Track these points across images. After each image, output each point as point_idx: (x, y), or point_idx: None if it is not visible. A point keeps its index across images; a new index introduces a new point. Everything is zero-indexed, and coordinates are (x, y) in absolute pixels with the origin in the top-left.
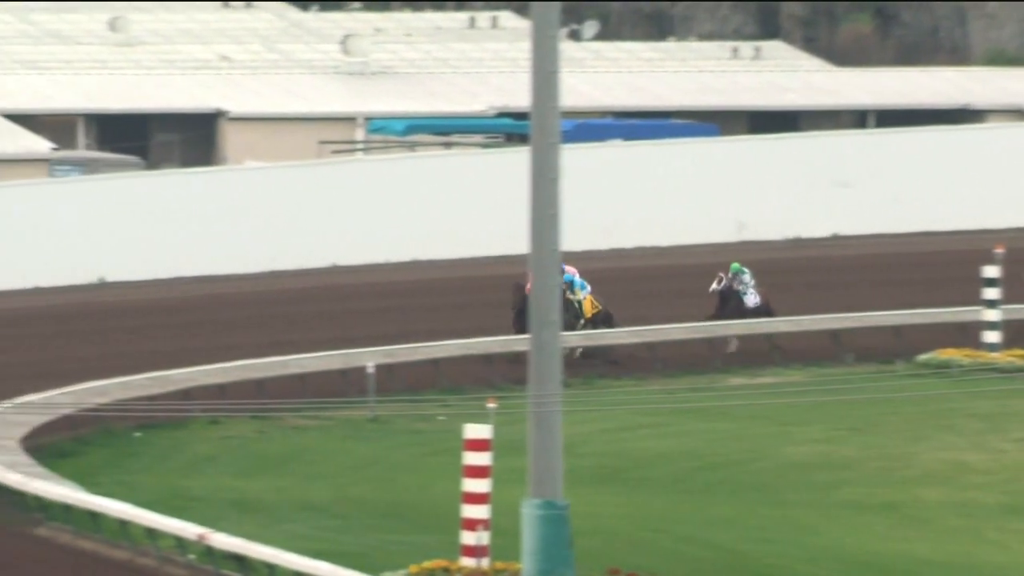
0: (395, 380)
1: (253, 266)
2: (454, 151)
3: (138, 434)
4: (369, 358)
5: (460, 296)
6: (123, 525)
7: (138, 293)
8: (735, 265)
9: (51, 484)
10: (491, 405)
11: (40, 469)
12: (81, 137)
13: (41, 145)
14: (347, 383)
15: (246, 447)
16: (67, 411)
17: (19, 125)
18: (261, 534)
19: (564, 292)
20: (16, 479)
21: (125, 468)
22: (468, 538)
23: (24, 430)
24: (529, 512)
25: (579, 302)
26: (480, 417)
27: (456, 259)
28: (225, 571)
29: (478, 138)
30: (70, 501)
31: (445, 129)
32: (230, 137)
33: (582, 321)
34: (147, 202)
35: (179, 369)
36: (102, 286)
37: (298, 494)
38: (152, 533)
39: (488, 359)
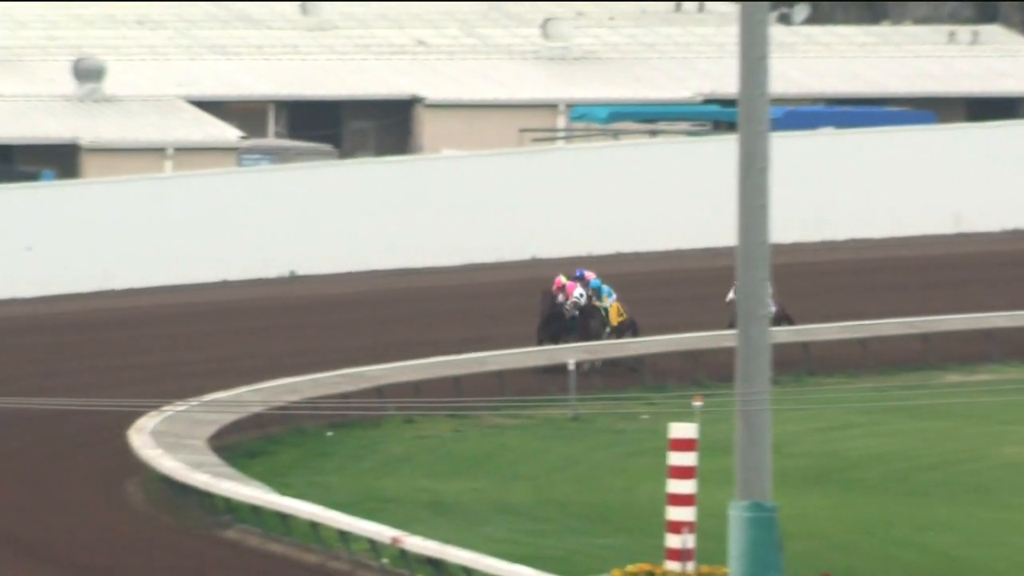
0: (597, 378)
1: (449, 259)
2: (659, 139)
3: (330, 433)
4: (570, 355)
5: (665, 290)
6: (314, 527)
7: (330, 287)
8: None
9: (240, 485)
10: (697, 403)
11: (228, 469)
12: (271, 125)
13: (230, 133)
14: (547, 380)
15: (442, 447)
16: (256, 409)
17: (207, 112)
18: (457, 537)
19: (591, 298)
20: (203, 479)
21: (316, 468)
22: (673, 541)
23: (212, 429)
24: (736, 514)
25: (605, 309)
26: (685, 416)
27: (660, 251)
28: (420, 575)
29: (684, 126)
30: (259, 503)
31: (650, 116)
32: (426, 124)
33: (608, 329)
34: (339, 192)
35: (373, 366)
36: (293, 280)
37: (496, 495)
38: (344, 536)
39: (693, 355)
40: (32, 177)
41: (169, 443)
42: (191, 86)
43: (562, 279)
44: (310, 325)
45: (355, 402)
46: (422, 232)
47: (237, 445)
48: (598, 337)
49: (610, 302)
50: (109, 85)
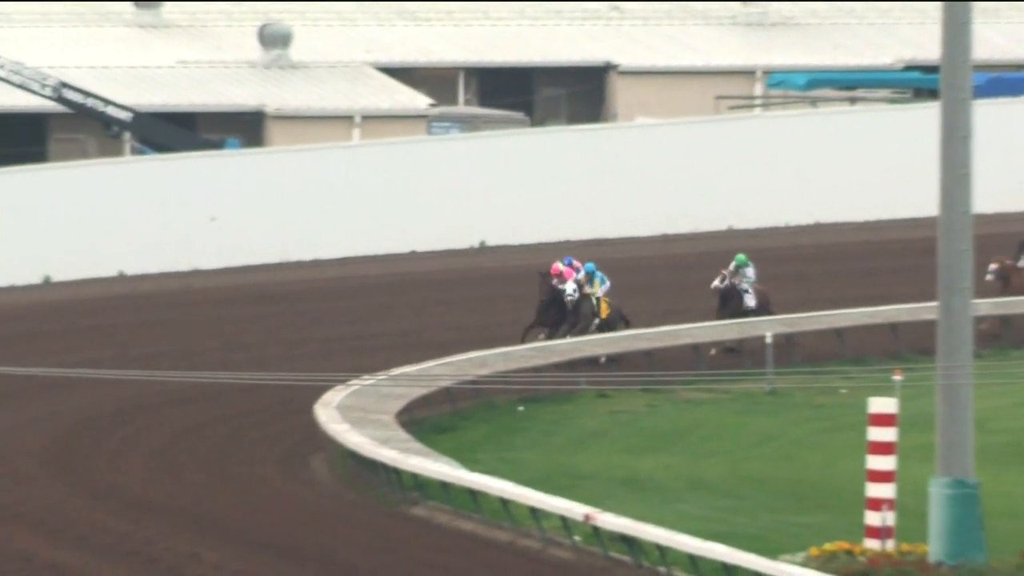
0: (794, 351)
1: (643, 229)
2: (858, 107)
3: (521, 408)
4: (766, 328)
5: (864, 261)
6: (505, 504)
7: (520, 258)
8: (740, 257)
9: (428, 461)
10: (897, 377)
11: (417, 445)
12: (462, 92)
13: (419, 101)
14: (743, 354)
15: (635, 422)
16: (446, 383)
17: (396, 79)
18: (651, 514)
19: (582, 285)
20: (391, 455)
21: (507, 444)
22: (872, 519)
23: (400, 403)
24: (937, 491)
25: (597, 298)
26: (885, 390)
27: (860, 222)
28: (613, 553)
29: (884, 93)
30: (448, 479)
31: (849, 83)
32: (620, 92)
33: (597, 320)
34: (530, 161)
35: (564, 339)
36: (482, 251)
37: (690, 471)
38: (535, 513)
39: (894, 328)
40: (216, 146)
41: (356, 418)
42: (379, 52)
43: (559, 265)
44: (500, 297)
45: (547, 376)
46: (615, 202)
47: (426, 420)
48: (589, 321)
49: (603, 289)
50: (295, 51)
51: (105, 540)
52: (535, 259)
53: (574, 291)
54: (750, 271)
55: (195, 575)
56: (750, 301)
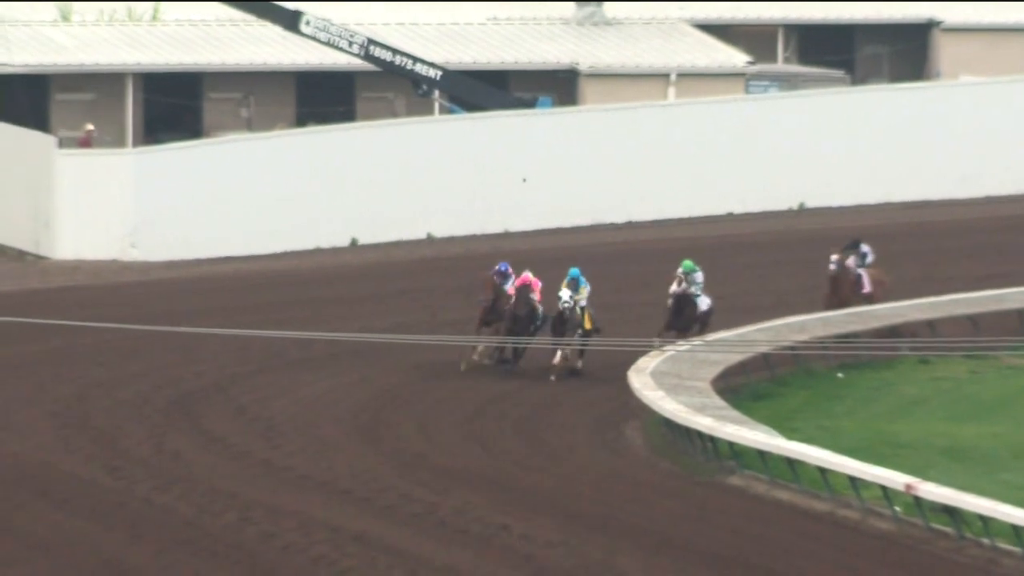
0: None
1: (969, 191)
2: None
3: (840, 375)
4: None
5: None
6: (823, 474)
7: (840, 220)
8: (687, 263)
9: (745, 429)
10: None
11: (733, 412)
12: (780, 50)
13: (737, 59)
14: None
15: (958, 389)
16: (763, 349)
17: (714, 37)
18: (974, 484)
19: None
20: (707, 423)
21: (826, 412)
22: None
23: (716, 370)
24: None
25: (582, 308)
26: None
27: None
28: (935, 524)
29: None
30: (766, 447)
31: None
32: (944, 49)
33: (580, 331)
34: (851, 121)
35: (886, 304)
36: (800, 212)
37: (1016, 440)
38: (855, 483)
39: None
40: (528, 104)
41: (671, 384)
42: (695, 9)
43: (529, 275)
44: (819, 261)
45: (866, 342)
46: (939, 161)
47: (742, 387)
48: (574, 333)
49: (586, 292)
50: (609, 8)
51: (413, 510)
52: (854, 222)
53: (570, 299)
54: (699, 275)
55: (504, 545)
56: (703, 304)
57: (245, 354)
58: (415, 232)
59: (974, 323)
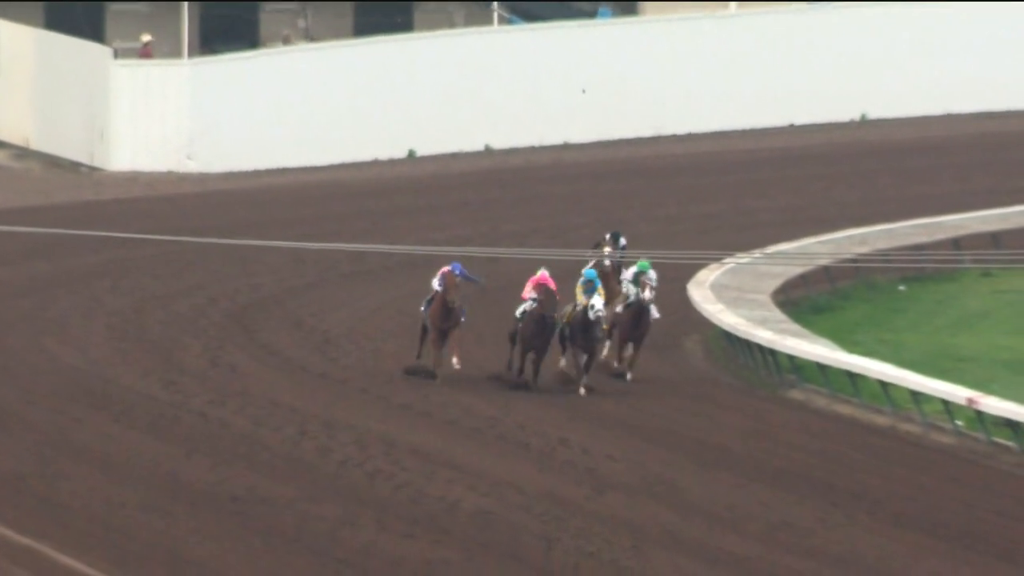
0: None
1: None
2: None
3: (902, 287)
4: None
5: None
6: (884, 387)
7: (904, 132)
8: (643, 263)
9: (805, 342)
10: None
11: (793, 326)
12: None
13: None
14: None
15: (1022, 302)
16: (824, 262)
17: None
18: None
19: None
20: (767, 336)
21: (887, 325)
22: None
23: (777, 282)
24: None
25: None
26: None
27: None
28: (996, 439)
29: None
30: (826, 361)
31: None
32: None
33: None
34: (915, 29)
35: (949, 216)
36: (864, 124)
37: None
38: (916, 397)
39: None
40: (588, 15)
41: (731, 298)
42: None
43: (545, 273)
44: (882, 172)
45: (930, 254)
46: (1003, 72)
47: (803, 300)
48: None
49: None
50: None
51: (472, 424)
52: (920, 132)
53: (604, 307)
54: (653, 275)
55: (565, 459)
56: (655, 313)
57: (301, 267)
58: (473, 144)
59: None
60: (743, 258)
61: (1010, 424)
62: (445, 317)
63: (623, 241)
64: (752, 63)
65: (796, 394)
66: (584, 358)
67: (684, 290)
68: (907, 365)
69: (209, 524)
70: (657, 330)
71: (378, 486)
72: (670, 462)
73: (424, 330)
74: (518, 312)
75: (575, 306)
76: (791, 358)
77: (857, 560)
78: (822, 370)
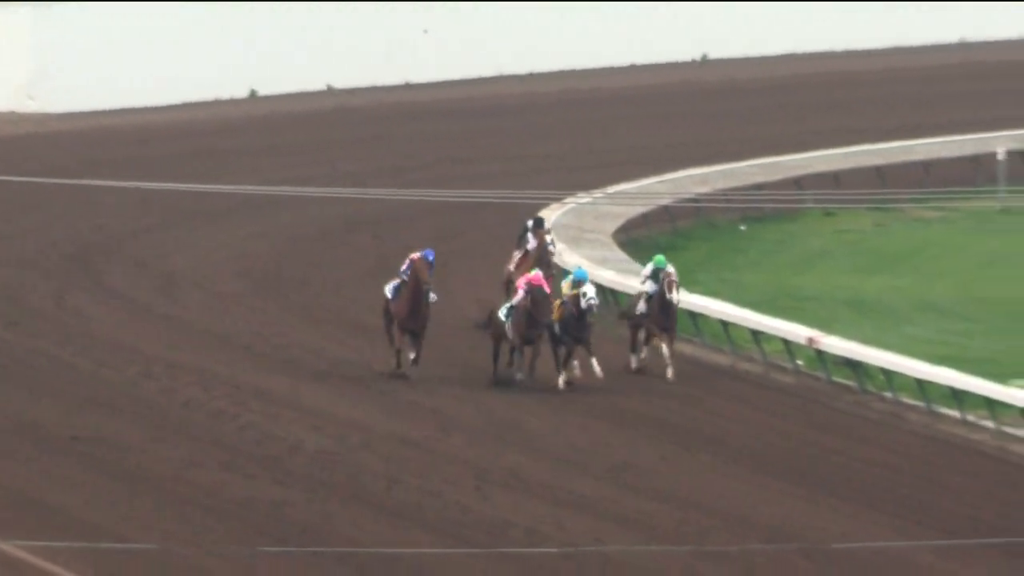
0: None
1: (875, 41)
2: None
3: (743, 227)
4: (1000, 144)
5: None
6: (725, 327)
7: (744, 71)
8: (659, 259)
9: None
10: None
11: (635, 266)
12: None
13: None
14: (975, 171)
15: (863, 242)
16: (665, 201)
17: None
18: (877, 338)
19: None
20: (609, 276)
21: (729, 264)
22: None
23: (618, 222)
24: None
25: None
26: None
27: None
28: (837, 378)
29: None
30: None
31: None
32: None
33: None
34: None
35: (789, 155)
36: (704, 64)
37: (919, 293)
38: (757, 336)
39: None
40: None
41: (572, 237)
42: None
43: (539, 274)
44: (722, 112)
45: (770, 194)
46: (845, 10)
47: (644, 239)
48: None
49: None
50: None
51: (317, 366)
52: (759, 72)
53: (596, 296)
54: (672, 269)
55: (409, 400)
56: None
57: (144, 207)
58: (315, 83)
59: (880, 175)
60: (584, 198)
61: (850, 363)
62: (414, 317)
63: (550, 233)
64: (592, 2)
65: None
66: (563, 350)
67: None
68: (748, 305)
69: (55, 465)
70: (496, 271)
71: (223, 427)
72: (516, 404)
73: (388, 318)
74: (503, 312)
75: (563, 301)
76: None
77: (700, 499)
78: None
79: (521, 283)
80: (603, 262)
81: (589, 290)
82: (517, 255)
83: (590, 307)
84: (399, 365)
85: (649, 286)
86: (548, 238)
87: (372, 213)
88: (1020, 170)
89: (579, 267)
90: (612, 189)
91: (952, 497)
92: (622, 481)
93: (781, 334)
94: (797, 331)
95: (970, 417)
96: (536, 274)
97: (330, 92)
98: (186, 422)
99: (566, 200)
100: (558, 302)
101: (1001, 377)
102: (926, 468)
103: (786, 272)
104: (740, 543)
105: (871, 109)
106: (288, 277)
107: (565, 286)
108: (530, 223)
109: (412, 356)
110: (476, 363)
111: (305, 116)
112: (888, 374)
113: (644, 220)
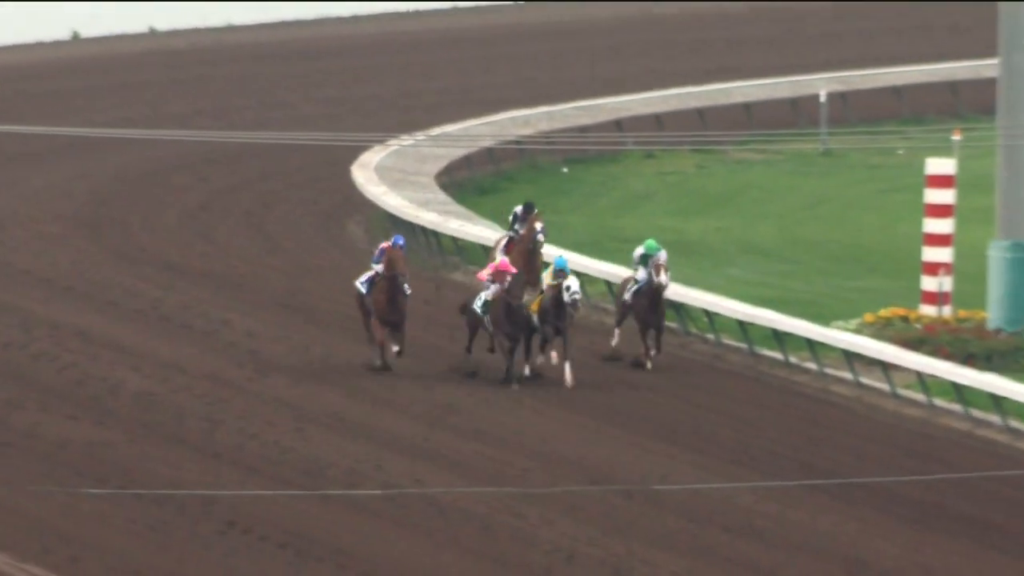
0: (850, 110)
1: None
2: None
3: (566, 169)
4: (822, 86)
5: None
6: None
7: (559, 12)
8: (651, 243)
9: (469, 224)
10: (956, 137)
11: (457, 207)
12: None
13: None
14: (797, 113)
15: (685, 183)
16: (487, 143)
17: None
18: (700, 279)
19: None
20: (431, 218)
21: (552, 207)
22: (928, 284)
23: (440, 164)
24: (996, 255)
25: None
26: (944, 151)
27: None
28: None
29: None
30: (489, 243)
31: None
32: None
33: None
34: None
35: (611, 98)
36: (522, 6)
37: (741, 235)
38: (581, 278)
39: (953, 87)
40: None
41: (395, 180)
42: None
43: (506, 260)
44: (541, 54)
45: (593, 136)
46: None
47: (467, 181)
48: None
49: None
50: None
51: (136, 305)
52: (576, 14)
53: (579, 289)
54: (664, 255)
55: (227, 342)
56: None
57: None
58: (137, 25)
59: (701, 117)
60: (406, 140)
61: (673, 305)
62: (392, 309)
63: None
64: None
65: (459, 276)
66: (538, 339)
67: (348, 172)
68: (571, 247)
69: None
70: (320, 211)
71: (42, 368)
72: (332, 344)
73: (366, 312)
74: (478, 303)
75: (542, 291)
76: (455, 240)
77: (522, 441)
78: (486, 252)
79: (483, 275)
80: (426, 204)
81: (573, 283)
82: (503, 240)
83: (574, 302)
84: (383, 360)
85: (641, 274)
86: (538, 225)
87: (195, 155)
88: (841, 112)
89: (560, 256)
90: (435, 131)
91: (773, 439)
92: (444, 423)
93: (604, 276)
94: (620, 273)
95: (792, 359)
96: (503, 260)
97: (152, 34)
98: (6, 363)
99: (389, 142)
100: (539, 296)
101: (823, 319)
102: (748, 410)
103: (609, 214)
104: (562, 484)
105: (690, 51)
106: (111, 218)
107: (546, 276)
108: (519, 209)
109: (396, 349)
110: (292, 304)
111: (127, 58)
112: (710, 315)
113: (467, 162)
